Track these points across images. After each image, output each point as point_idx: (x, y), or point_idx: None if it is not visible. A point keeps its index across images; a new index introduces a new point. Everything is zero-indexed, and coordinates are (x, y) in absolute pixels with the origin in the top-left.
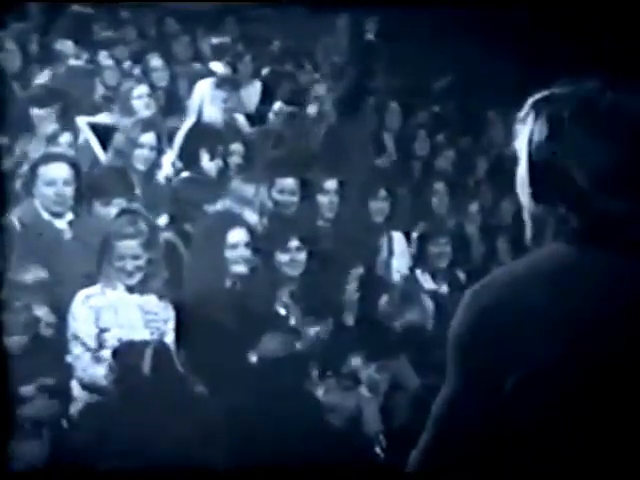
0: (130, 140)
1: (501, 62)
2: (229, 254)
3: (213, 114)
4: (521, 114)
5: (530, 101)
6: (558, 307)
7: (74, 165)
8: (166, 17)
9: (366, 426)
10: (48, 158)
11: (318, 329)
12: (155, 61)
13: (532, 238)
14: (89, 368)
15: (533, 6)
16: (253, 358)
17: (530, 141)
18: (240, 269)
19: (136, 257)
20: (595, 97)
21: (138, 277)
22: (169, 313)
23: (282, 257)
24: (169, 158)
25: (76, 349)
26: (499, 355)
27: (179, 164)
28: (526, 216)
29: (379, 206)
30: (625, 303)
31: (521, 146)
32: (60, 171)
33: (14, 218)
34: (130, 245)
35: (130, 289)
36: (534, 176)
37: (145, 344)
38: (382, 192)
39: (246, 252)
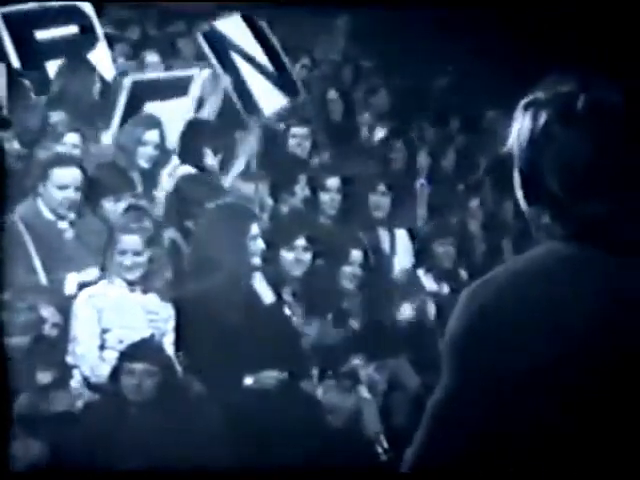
0: (134, 138)
1: (500, 62)
2: (251, 245)
3: (213, 105)
4: (514, 116)
5: (520, 104)
6: (555, 305)
7: (83, 169)
8: (166, 15)
9: (366, 427)
10: (60, 161)
11: (319, 328)
12: (154, 58)
13: (535, 237)
14: (94, 367)
15: (532, 6)
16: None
17: (517, 143)
18: (257, 261)
19: (137, 253)
20: (573, 99)
21: (138, 273)
22: (169, 311)
23: (287, 255)
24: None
25: (79, 348)
26: (496, 353)
27: (179, 160)
28: (526, 217)
29: (378, 199)
30: (622, 301)
31: (512, 148)
32: (72, 176)
33: (16, 217)
34: (133, 240)
35: (131, 284)
36: (522, 178)
37: (148, 344)
38: (381, 187)
39: (263, 245)
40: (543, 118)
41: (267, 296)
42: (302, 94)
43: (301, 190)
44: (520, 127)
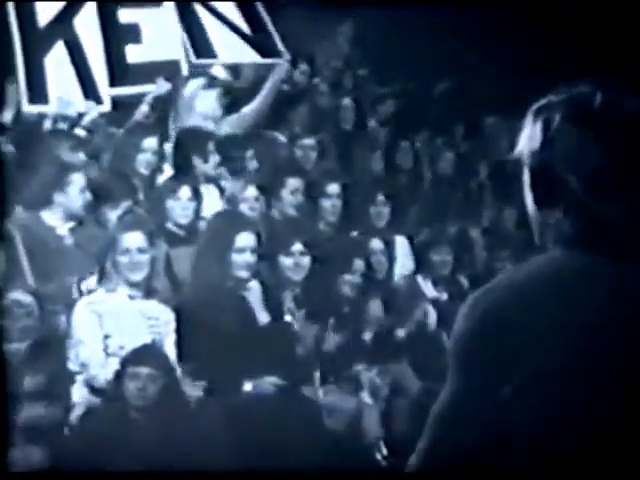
0: (133, 144)
1: (502, 68)
2: (235, 258)
3: (203, 114)
4: (524, 121)
5: (531, 108)
6: (558, 313)
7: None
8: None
9: (366, 432)
10: None
11: (320, 333)
12: None
13: (538, 242)
14: (98, 372)
15: (533, 9)
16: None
17: (528, 146)
18: (243, 274)
19: (141, 250)
20: (586, 101)
21: (142, 274)
22: (169, 315)
23: (285, 261)
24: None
25: (84, 351)
26: (499, 360)
27: (172, 168)
28: (531, 220)
29: (378, 211)
30: (624, 308)
31: (522, 152)
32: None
33: (14, 224)
34: (136, 236)
35: (134, 286)
36: (533, 181)
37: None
38: (380, 197)
39: (251, 258)
40: (558, 118)
41: (262, 316)
42: (285, 56)
43: (300, 195)
44: (532, 130)
